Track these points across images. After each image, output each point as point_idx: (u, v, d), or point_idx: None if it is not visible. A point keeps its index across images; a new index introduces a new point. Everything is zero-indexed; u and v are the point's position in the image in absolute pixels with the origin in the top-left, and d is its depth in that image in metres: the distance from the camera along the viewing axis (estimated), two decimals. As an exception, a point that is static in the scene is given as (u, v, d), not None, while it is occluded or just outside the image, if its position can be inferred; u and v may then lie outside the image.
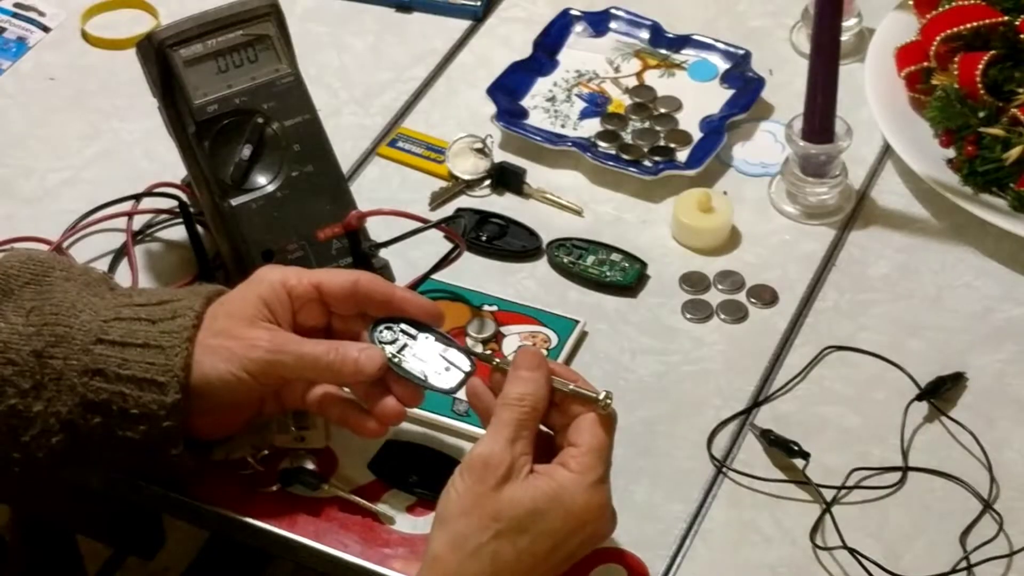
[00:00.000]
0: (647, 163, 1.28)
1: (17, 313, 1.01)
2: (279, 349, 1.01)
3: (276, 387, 1.04)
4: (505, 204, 1.26)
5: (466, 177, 1.27)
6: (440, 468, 1.06)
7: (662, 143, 1.30)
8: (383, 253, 1.16)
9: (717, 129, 1.30)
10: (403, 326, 1.03)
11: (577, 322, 1.16)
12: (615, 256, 1.21)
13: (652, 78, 1.36)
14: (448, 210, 1.25)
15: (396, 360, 1.02)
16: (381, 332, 1.03)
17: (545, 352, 1.13)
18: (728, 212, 1.23)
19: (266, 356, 1.01)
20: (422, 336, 1.03)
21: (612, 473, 1.06)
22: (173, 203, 1.21)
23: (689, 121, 1.32)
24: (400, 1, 1.43)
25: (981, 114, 1.24)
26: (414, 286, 1.16)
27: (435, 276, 1.17)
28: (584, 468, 0.96)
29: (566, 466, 0.96)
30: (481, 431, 1.08)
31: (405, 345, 1.03)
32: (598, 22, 1.40)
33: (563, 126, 1.31)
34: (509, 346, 1.14)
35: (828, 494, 1.06)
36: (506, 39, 1.41)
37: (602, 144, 1.30)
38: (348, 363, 1.01)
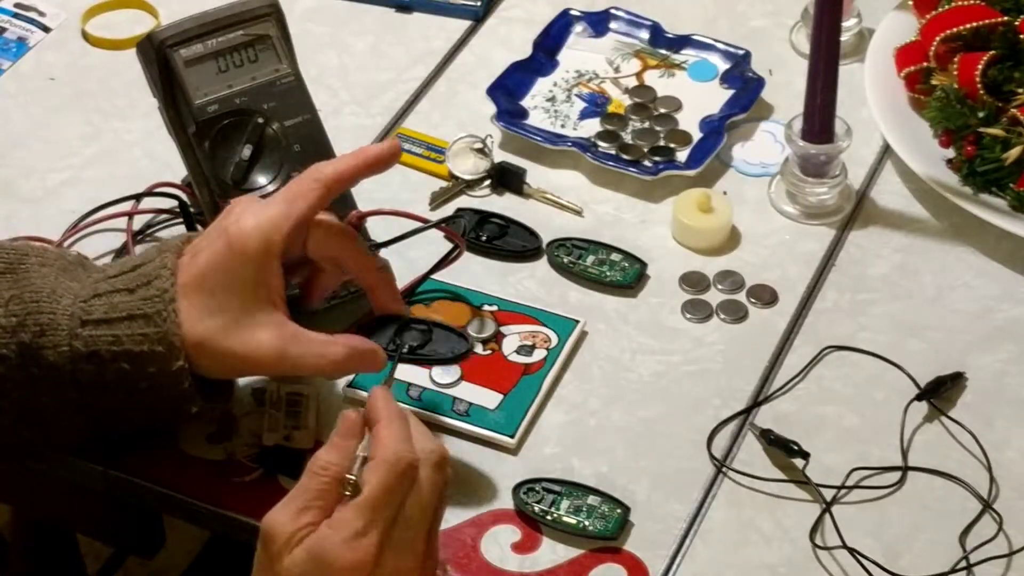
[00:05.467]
0: (647, 163, 1.28)
1: None
2: (281, 363, 1.01)
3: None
4: (505, 204, 1.26)
5: (466, 177, 1.27)
6: (428, 334, 1.06)
7: (662, 143, 1.30)
8: (383, 253, 1.16)
9: (717, 129, 1.30)
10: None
11: (577, 322, 1.16)
12: (615, 256, 1.21)
13: (652, 78, 1.36)
14: (448, 210, 1.25)
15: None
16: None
17: (545, 353, 1.14)
18: (728, 212, 1.23)
19: (271, 370, 1.03)
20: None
21: (612, 473, 1.07)
22: (173, 203, 1.21)
23: (689, 121, 1.32)
24: (400, 1, 1.43)
25: (981, 114, 1.25)
26: (414, 286, 1.17)
27: (435, 276, 1.17)
28: (339, 524, 0.89)
29: (329, 519, 0.90)
30: (482, 431, 1.09)
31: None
32: (598, 22, 1.40)
33: (563, 126, 1.31)
34: (509, 346, 1.14)
35: (828, 494, 1.06)
36: (506, 39, 1.41)
37: (602, 144, 1.30)
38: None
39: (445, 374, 1.12)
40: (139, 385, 0.99)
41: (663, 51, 1.38)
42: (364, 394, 1.08)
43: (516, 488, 1.05)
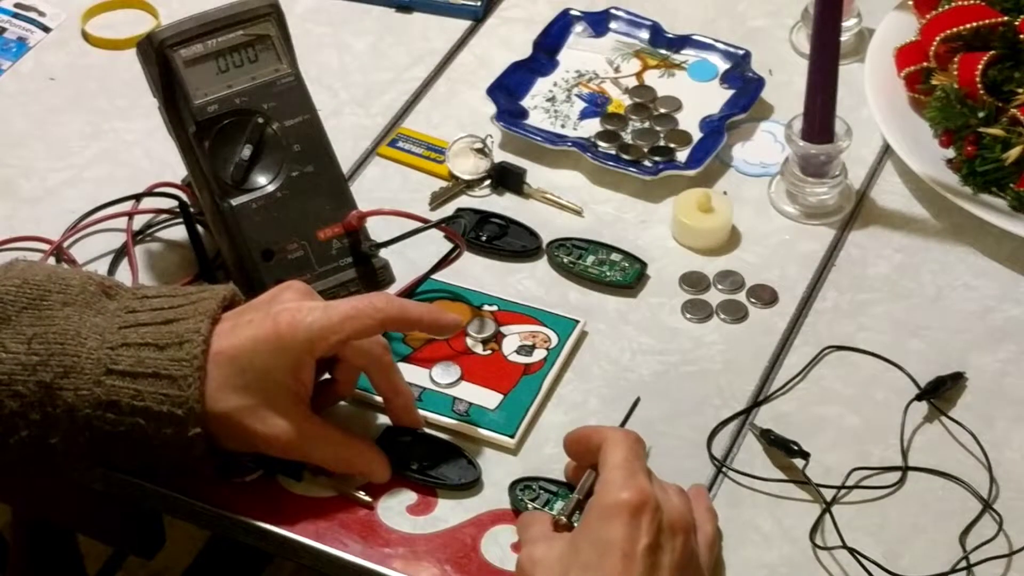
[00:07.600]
0: (647, 163, 1.28)
1: (17, 341, 0.99)
2: (294, 453, 1.03)
3: None
4: (505, 204, 1.26)
5: (466, 177, 1.27)
6: (439, 455, 1.06)
7: (662, 143, 1.30)
8: (383, 253, 1.16)
9: (717, 129, 1.30)
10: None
11: (577, 322, 1.16)
12: (615, 256, 1.21)
13: (652, 78, 1.36)
14: (448, 210, 1.25)
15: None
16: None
17: (545, 353, 1.14)
18: (728, 212, 1.23)
19: (282, 454, 1.03)
20: None
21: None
22: (173, 203, 1.21)
23: (689, 121, 1.32)
24: (400, 1, 1.43)
25: (981, 114, 1.25)
26: (414, 286, 1.17)
27: (435, 276, 1.17)
28: (604, 483, 0.96)
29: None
30: (482, 431, 1.09)
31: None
32: (598, 22, 1.40)
33: (563, 126, 1.31)
34: (509, 346, 1.14)
35: (828, 494, 1.06)
36: (506, 39, 1.41)
37: (602, 144, 1.30)
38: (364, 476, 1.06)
39: (445, 374, 1.12)
40: (152, 442, 1.00)
41: (663, 51, 1.38)
42: (365, 394, 1.09)
43: (512, 486, 1.05)
